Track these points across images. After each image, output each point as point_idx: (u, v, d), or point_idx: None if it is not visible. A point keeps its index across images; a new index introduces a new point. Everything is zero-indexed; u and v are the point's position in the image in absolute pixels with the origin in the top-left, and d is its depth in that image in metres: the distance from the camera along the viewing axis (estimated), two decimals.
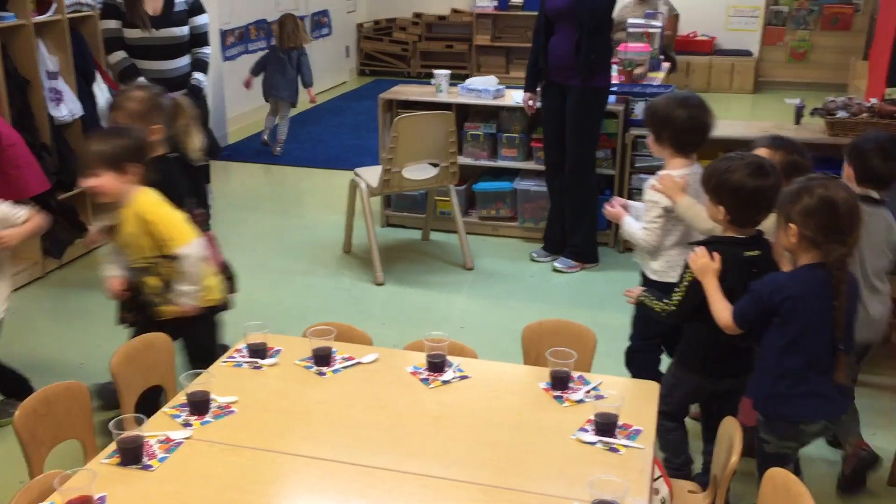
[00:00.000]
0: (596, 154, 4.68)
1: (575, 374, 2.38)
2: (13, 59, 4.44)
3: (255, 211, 5.77)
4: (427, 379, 2.40)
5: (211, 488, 1.94)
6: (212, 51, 4.67)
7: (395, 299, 4.41)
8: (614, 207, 3.11)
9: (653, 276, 3.04)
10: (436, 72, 5.19)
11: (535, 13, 4.62)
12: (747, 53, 10.15)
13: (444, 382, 2.39)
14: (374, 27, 11.13)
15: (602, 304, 4.27)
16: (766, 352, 2.39)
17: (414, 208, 5.37)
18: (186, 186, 3.15)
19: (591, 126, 4.48)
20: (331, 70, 10.27)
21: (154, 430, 2.10)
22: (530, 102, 4.70)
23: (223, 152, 6.61)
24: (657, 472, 2.10)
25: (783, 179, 2.50)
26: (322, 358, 2.47)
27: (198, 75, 4.46)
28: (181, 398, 2.26)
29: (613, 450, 2.06)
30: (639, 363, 3.20)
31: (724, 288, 2.46)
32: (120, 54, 4.27)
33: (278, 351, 2.54)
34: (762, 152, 2.77)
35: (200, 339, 3.05)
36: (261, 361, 2.48)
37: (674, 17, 7.88)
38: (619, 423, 2.12)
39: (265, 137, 7.35)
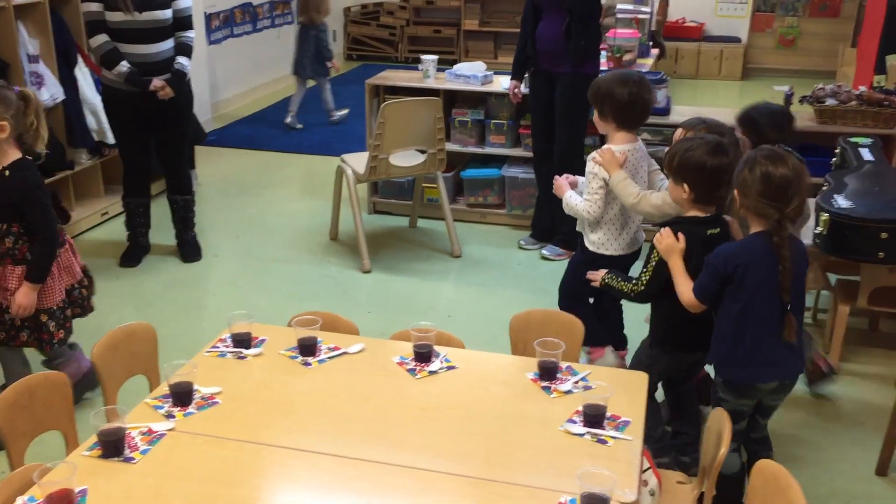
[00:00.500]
0: (584, 141, 4.64)
1: (563, 365, 2.36)
2: None
3: (239, 197, 5.71)
4: (414, 369, 2.38)
5: (194, 481, 1.91)
6: (196, 34, 4.60)
7: (381, 287, 4.38)
8: (563, 181, 3.24)
9: (591, 248, 3.22)
10: (423, 57, 5.14)
11: None
12: (736, 40, 10.12)
13: (431, 373, 2.36)
14: (361, 11, 11.03)
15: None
16: (721, 319, 2.51)
17: (401, 195, 5.33)
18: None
19: (579, 113, 4.44)
20: None
21: (136, 421, 2.07)
22: (516, 90, 4.66)
23: (208, 137, 6.53)
24: (646, 464, 2.08)
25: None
26: (307, 348, 2.44)
27: (182, 59, 4.39)
28: (164, 389, 2.22)
29: (602, 441, 2.05)
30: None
31: (690, 267, 2.56)
32: (102, 38, 4.19)
33: (263, 341, 2.51)
34: (679, 133, 2.94)
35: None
36: (245, 351, 2.45)
37: (663, 3, 7.86)
38: (608, 414, 2.10)
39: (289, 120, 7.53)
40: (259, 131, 7.45)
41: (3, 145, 2.94)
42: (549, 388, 2.28)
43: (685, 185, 2.59)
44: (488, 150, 5.16)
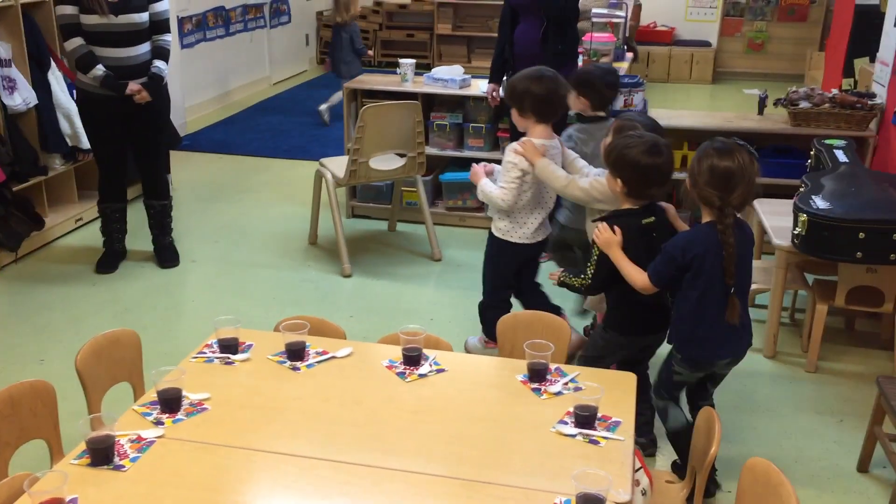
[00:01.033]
0: None
1: (552, 366, 2.36)
2: None
3: (216, 202, 5.67)
4: (403, 373, 2.37)
5: (185, 488, 1.89)
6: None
7: (362, 291, 4.37)
8: (479, 168, 3.38)
9: (497, 234, 3.39)
10: (401, 61, 5.13)
11: (497, 2, 4.59)
12: (706, 44, 10.25)
13: (421, 376, 2.36)
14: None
15: (573, 293, 4.25)
16: (681, 303, 2.67)
17: (379, 199, 5.32)
18: None
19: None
20: (290, 59, 10.14)
21: (124, 429, 2.04)
22: (494, 94, 4.67)
23: (182, 142, 6.47)
24: (637, 464, 2.10)
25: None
26: (295, 352, 2.42)
27: (158, 63, 4.34)
28: (151, 395, 2.20)
29: (594, 442, 2.05)
30: (490, 318, 3.38)
31: (630, 256, 2.71)
32: (77, 41, 4.12)
33: (250, 346, 2.49)
34: (614, 124, 3.07)
35: None
36: (232, 357, 2.42)
37: (636, 8, 7.93)
38: (598, 414, 2.11)
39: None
40: (233, 136, 7.40)
41: None
42: (539, 389, 2.29)
43: (619, 180, 2.74)
44: (467, 153, 5.17)
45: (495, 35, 4.65)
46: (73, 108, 4.80)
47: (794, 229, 3.34)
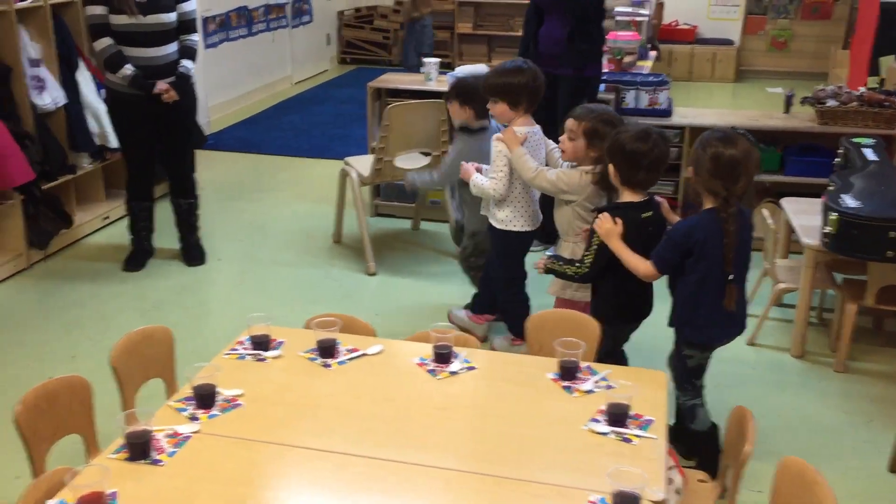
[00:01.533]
0: None
1: (582, 365, 2.37)
2: None
3: (239, 200, 5.70)
4: (434, 370, 2.38)
5: (222, 483, 1.90)
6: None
7: (387, 289, 4.38)
8: (469, 166, 3.48)
9: (498, 226, 3.46)
10: (425, 60, 5.14)
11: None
12: (729, 42, 10.19)
13: (452, 373, 2.36)
14: (354, 15, 11.04)
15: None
16: (682, 287, 2.73)
17: (403, 197, 5.33)
18: None
19: None
20: (312, 58, 10.18)
21: (160, 424, 2.06)
22: None
23: (207, 141, 6.51)
24: (670, 462, 2.09)
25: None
26: (327, 349, 2.44)
27: (186, 63, 4.38)
28: (185, 392, 2.22)
29: (626, 440, 2.05)
30: (512, 314, 3.59)
31: (628, 247, 2.78)
32: (106, 41, 4.17)
33: (281, 343, 2.50)
34: (569, 122, 3.14)
35: None
36: (264, 353, 2.45)
37: (659, 6, 7.90)
38: (630, 412, 2.11)
39: None
40: (255, 134, 7.44)
41: None
42: (570, 387, 2.29)
43: (612, 166, 2.82)
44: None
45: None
46: (100, 108, 4.84)
47: (823, 228, 3.32)
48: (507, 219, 3.45)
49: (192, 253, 4.66)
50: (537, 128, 3.42)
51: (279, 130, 7.56)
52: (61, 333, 3.88)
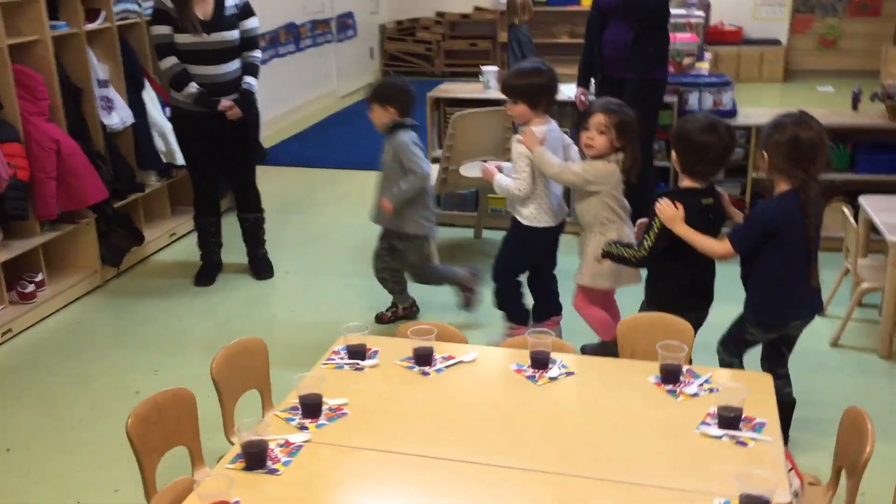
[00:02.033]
0: (654, 147, 4.63)
1: (684, 368, 2.34)
2: (65, 68, 4.42)
3: (296, 213, 5.75)
4: (533, 376, 2.37)
5: (340, 491, 1.91)
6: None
7: (454, 298, 4.36)
8: (490, 167, 3.57)
9: (525, 222, 3.52)
10: (483, 68, 5.16)
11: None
12: (776, 42, 10.08)
13: (552, 379, 2.35)
14: (397, 27, 11.11)
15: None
16: (763, 269, 2.77)
17: (463, 206, 5.34)
18: None
19: (649, 119, 4.42)
20: (356, 71, 10.26)
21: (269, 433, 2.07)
22: (582, 97, 4.66)
23: (268, 156, 6.58)
24: (788, 465, 2.06)
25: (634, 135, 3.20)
26: (423, 358, 2.44)
27: (249, 79, 4.42)
28: (290, 401, 2.23)
29: (741, 443, 2.02)
30: (509, 300, 3.74)
31: None
32: (171, 60, 4.23)
33: (376, 352, 2.51)
34: (599, 116, 3.22)
35: None
36: (361, 363, 2.45)
37: (705, 8, 7.84)
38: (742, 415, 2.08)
39: None
40: (306, 149, 7.51)
41: None
42: (675, 391, 2.27)
43: (675, 153, 2.87)
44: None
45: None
46: (166, 126, 4.91)
47: None
48: (532, 216, 3.51)
49: (261, 266, 4.70)
50: (554, 124, 3.50)
51: (329, 144, 7.61)
52: (141, 348, 3.93)
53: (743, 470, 1.78)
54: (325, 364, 2.46)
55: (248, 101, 4.41)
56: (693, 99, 4.74)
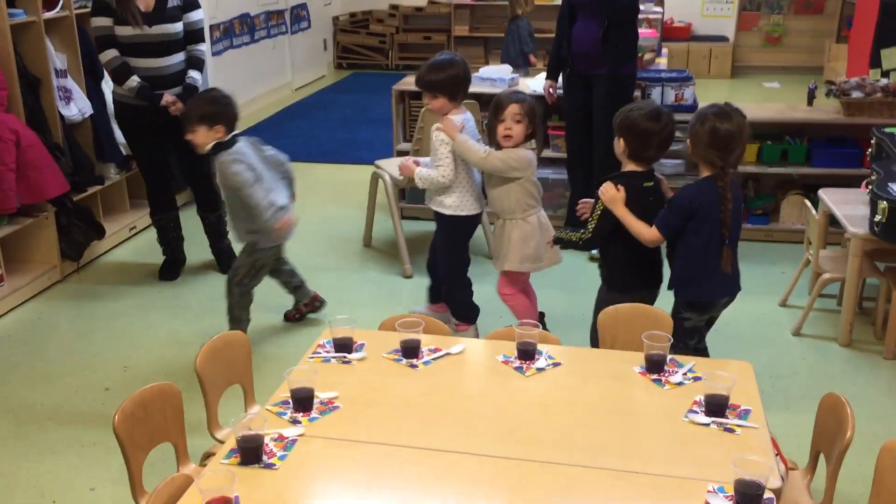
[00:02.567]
0: None
1: (667, 357, 2.39)
2: (23, 57, 4.30)
3: None
4: (521, 367, 2.39)
5: (339, 483, 1.91)
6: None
7: (425, 291, 4.37)
8: (408, 162, 3.66)
9: (449, 212, 3.60)
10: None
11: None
12: (723, 39, 10.29)
13: (539, 370, 2.38)
14: (350, 20, 11.03)
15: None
16: (685, 251, 2.92)
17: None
18: None
19: None
20: (310, 64, 10.17)
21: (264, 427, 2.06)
22: (551, 90, 4.70)
23: None
24: (773, 450, 2.12)
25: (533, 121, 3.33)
26: (411, 350, 2.45)
27: (193, 73, 4.29)
28: (280, 395, 2.22)
29: (729, 430, 2.08)
30: (460, 299, 3.80)
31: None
32: (111, 52, 4.08)
33: (363, 345, 2.51)
34: (514, 107, 3.32)
35: None
36: (349, 356, 2.45)
37: (658, 4, 7.96)
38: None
39: None
40: (265, 141, 7.39)
41: None
42: (661, 380, 2.32)
43: (622, 141, 2.99)
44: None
45: None
46: None
47: (873, 217, 3.37)
48: (455, 204, 3.58)
49: (226, 260, 4.63)
50: (469, 114, 3.59)
51: (287, 137, 7.53)
52: (110, 344, 3.84)
53: (739, 456, 1.83)
54: (312, 357, 2.45)
55: (192, 95, 4.27)
56: (655, 94, 4.81)
